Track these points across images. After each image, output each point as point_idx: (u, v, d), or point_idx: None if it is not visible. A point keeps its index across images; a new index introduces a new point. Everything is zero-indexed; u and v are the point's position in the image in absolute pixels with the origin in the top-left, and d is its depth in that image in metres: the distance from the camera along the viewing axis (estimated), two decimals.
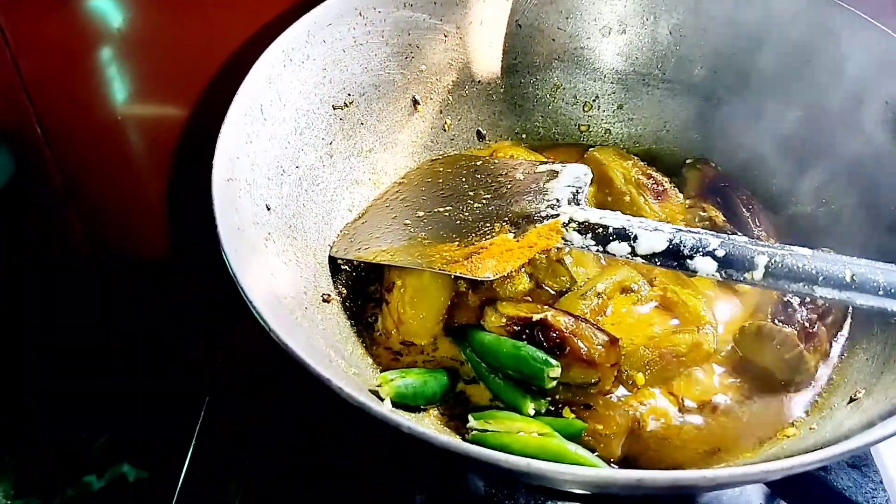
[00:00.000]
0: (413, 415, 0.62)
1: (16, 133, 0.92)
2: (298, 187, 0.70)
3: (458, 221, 0.70)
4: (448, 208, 0.72)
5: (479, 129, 0.84)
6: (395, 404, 0.60)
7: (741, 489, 0.67)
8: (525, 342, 0.62)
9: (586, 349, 0.61)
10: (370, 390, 0.59)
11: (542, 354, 0.60)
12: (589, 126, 0.85)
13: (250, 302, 0.51)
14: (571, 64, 0.84)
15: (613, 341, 0.62)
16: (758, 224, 0.74)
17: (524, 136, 0.85)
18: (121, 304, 1.03)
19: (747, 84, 0.79)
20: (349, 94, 0.76)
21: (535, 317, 0.63)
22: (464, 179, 0.76)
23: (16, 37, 0.85)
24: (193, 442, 0.77)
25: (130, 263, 1.07)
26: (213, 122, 0.94)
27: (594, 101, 0.85)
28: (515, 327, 0.63)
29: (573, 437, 0.59)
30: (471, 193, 0.73)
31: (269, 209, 0.65)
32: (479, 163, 0.78)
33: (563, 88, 0.85)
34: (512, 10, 0.81)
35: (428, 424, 0.62)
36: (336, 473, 0.75)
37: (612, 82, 0.84)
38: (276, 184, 0.67)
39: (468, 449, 0.44)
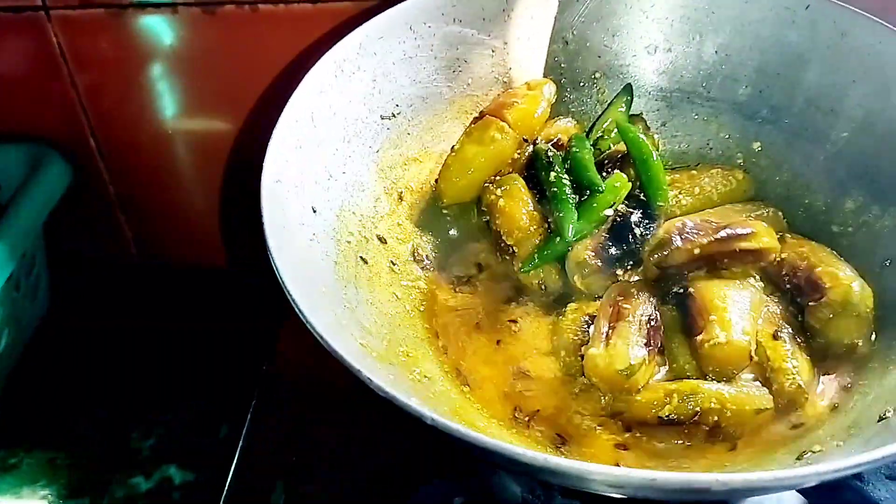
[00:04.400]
0: None
1: (72, 146, 0.98)
2: (344, 192, 0.73)
3: None
4: None
5: None
6: None
7: (778, 500, 0.67)
8: None
9: None
10: None
11: None
12: None
13: (290, 294, 0.54)
14: (616, 80, 0.85)
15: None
16: None
17: None
18: (169, 307, 1.07)
19: (792, 103, 0.79)
20: (397, 105, 0.78)
21: None
22: None
23: (73, 53, 0.91)
24: (240, 444, 0.80)
25: (177, 269, 1.11)
26: (261, 135, 0.98)
27: (638, 117, 0.86)
28: None
29: None
30: None
31: (315, 212, 0.68)
32: None
33: (607, 104, 0.85)
34: (559, 27, 0.83)
35: None
36: (380, 476, 0.78)
37: (656, 100, 0.85)
38: (323, 188, 0.70)
39: (492, 443, 0.46)
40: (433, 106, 0.81)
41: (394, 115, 0.78)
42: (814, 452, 0.58)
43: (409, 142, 0.80)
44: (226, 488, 0.79)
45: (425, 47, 0.79)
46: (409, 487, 0.76)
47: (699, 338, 0.66)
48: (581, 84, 0.85)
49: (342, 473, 0.79)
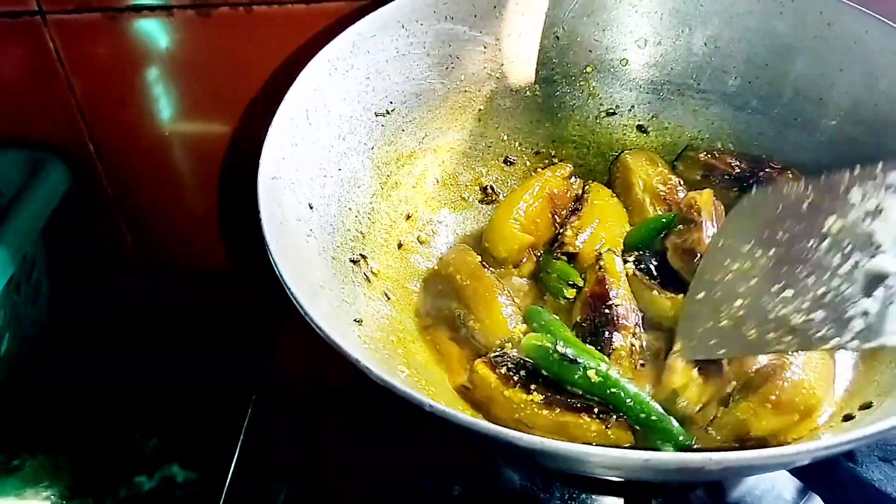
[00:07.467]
0: None
1: (70, 149, 0.98)
2: (340, 188, 0.74)
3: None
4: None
5: (516, 136, 0.87)
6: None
7: (773, 483, 0.68)
8: None
9: None
10: None
11: None
12: (623, 134, 0.87)
13: (288, 287, 0.55)
14: (608, 74, 0.86)
15: None
16: None
17: (560, 143, 0.87)
18: (169, 309, 1.08)
19: (781, 93, 0.80)
20: (391, 102, 0.79)
21: None
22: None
23: (70, 58, 0.91)
24: (240, 443, 0.81)
25: (177, 270, 1.12)
26: (258, 136, 0.98)
27: (630, 110, 0.87)
28: None
29: None
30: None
31: (311, 208, 0.69)
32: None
33: (599, 97, 0.87)
34: (549, 22, 0.84)
35: None
36: (379, 469, 0.78)
37: (647, 92, 0.86)
38: (319, 185, 0.71)
39: (487, 428, 0.47)
40: (427, 102, 0.82)
41: (388, 112, 0.79)
42: None
43: (403, 138, 0.81)
44: (225, 488, 0.80)
45: (418, 45, 0.80)
46: (410, 481, 0.77)
47: None
48: (573, 78, 0.86)
49: (342, 470, 0.80)
